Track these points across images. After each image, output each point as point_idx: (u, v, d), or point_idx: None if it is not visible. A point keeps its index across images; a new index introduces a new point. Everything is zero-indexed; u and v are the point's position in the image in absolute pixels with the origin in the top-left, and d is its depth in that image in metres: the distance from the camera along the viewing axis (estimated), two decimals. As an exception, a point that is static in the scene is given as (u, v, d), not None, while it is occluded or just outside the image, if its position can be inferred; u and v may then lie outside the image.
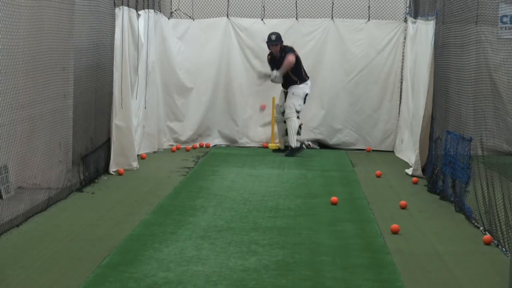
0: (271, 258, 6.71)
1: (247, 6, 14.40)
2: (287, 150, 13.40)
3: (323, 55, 14.13)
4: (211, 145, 14.35)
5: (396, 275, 6.34)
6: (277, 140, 14.17)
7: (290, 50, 13.28)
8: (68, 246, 7.02)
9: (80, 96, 9.60)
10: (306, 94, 13.34)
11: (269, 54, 13.53)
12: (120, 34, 10.73)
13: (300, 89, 13.28)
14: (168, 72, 13.98)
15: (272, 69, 13.41)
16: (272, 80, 13.44)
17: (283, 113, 13.41)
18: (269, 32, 13.46)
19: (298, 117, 13.28)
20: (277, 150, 13.71)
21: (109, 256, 6.66)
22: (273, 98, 14.09)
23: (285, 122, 13.39)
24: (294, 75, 13.28)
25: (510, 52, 7.77)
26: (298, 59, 13.28)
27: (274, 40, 13.33)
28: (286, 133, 13.45)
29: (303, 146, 13.84)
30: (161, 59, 13.69)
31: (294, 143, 13.26)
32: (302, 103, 13.31)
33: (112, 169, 10.86)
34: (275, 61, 13.38)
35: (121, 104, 10.76)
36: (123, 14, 10.83)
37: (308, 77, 13.34)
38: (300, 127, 13.42)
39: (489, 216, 7.66)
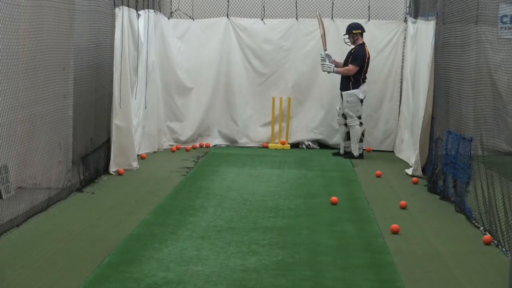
0: (271, 258, 6.71)
1: (247, 6, 14.39)
2: (346, 155, 13.24)
3: (323, 55, 14.10)
4: (211, 145, 14.34)
5: (396, 275, 6.34)
6: (277, 140, 14.19)
7: (360, 54, 13.13)
8: (68, 246, 7.02)
9: (80, 96, 9.60)
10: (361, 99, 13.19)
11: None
12: (120, 34, 10.73)
13: (353, 96, 13.06)
14: (168, 72, 13.97)
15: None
16: (325, 66, 13.25)
17: (343, 115, 13.21)
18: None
19: (361, 123, 13.11)
20: (337, 154, 13.50)
21: (109, 256, 6.66)
22: (273, 98, 14.11)
23: (345, 125, 13.21)
24: (353, 75, 13.12)
25: (510, 52, 7.77)
26: (363, 63, 13.10)
27: (346, 29, 13.29)
28: (347, 138, 13.27)
29: (363, 153, 13.44)
30: (161, 59, 13.69)
31: (356, 152, 13.13)
32: (360, 107, 13.13)
33: (112, 169, 10.86)
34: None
35: (119, 104, 10.76)
36: (123, 14, 10.83)
37: (364, 81, 13.18)
38: (363, 134, 13.24)
39: (489, 216, 7.66)
